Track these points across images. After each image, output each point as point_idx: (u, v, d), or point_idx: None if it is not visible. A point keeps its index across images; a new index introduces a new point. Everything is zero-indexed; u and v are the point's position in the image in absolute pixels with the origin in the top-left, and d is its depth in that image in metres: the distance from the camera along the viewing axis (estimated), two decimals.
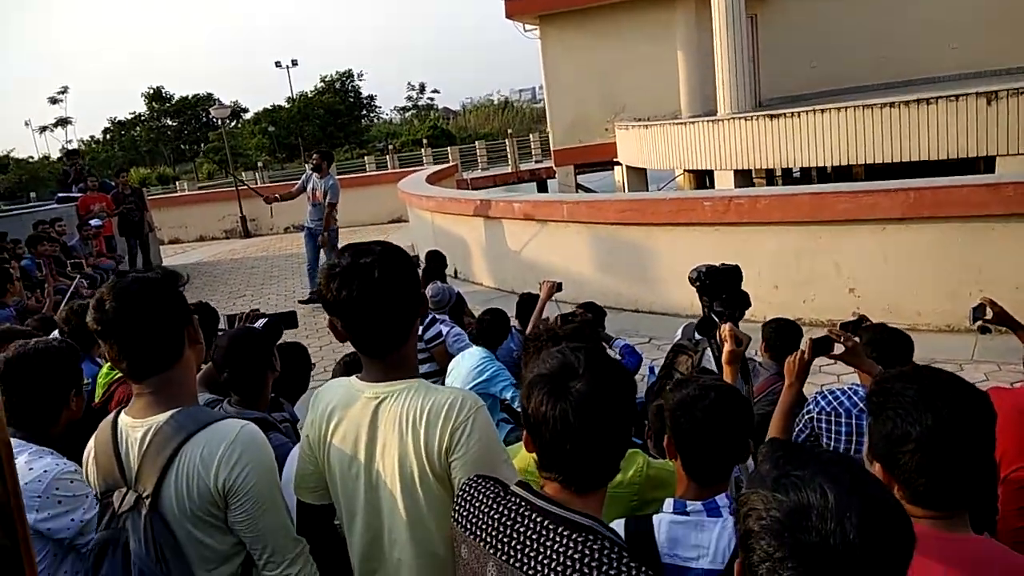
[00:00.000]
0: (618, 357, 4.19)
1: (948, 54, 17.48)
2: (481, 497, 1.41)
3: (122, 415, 1.77)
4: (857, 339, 2.55)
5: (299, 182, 9.97)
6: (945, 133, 11.10)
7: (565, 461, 1.34)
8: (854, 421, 2.99)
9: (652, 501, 2.00)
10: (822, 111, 12.42)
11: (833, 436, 3.05)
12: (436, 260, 6.79)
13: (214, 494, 1.67)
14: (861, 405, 3.00)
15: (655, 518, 1.75)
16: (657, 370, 4.50)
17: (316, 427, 1.74)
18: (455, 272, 10.51)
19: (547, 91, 21.00)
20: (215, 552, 1.74)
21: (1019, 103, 10.48)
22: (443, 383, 4.55)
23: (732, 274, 2.73)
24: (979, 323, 3.26)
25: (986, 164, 11.22)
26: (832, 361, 2.58)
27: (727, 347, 2.49)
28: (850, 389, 2.98)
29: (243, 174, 34.46)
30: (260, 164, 41.34)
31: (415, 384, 1.66)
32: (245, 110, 60.01)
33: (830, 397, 3.07)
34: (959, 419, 1.27)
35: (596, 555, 1.23)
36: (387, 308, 1.62)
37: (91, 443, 1.81)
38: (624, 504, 1.99)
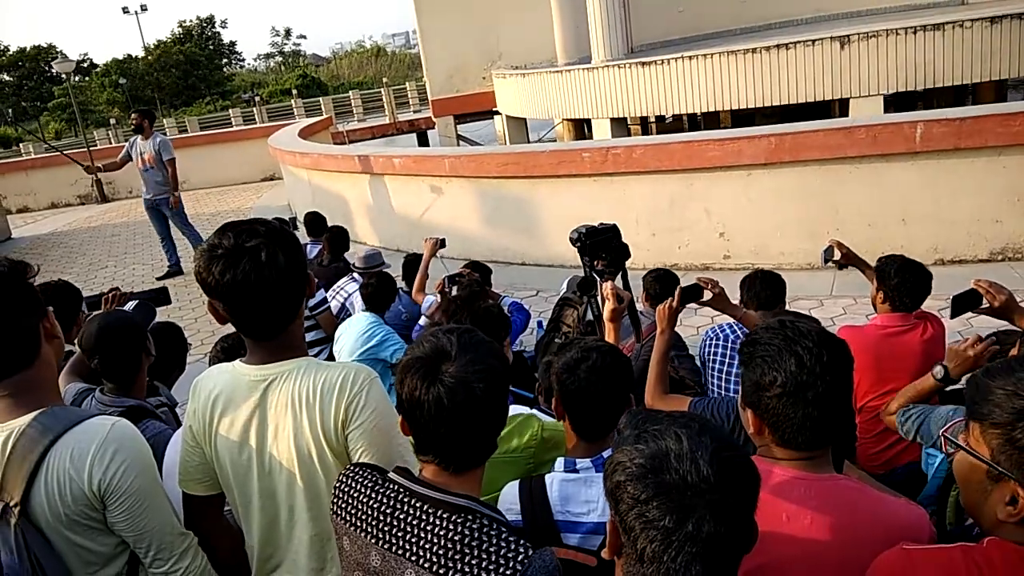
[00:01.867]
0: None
1: None
2: (359, 487, 1.41)
3: None
4: (721, 286, 2.70)
5: (123, 149, 9.33)
6: (803, 77, 11.70)
7: (441, 444, 1.35)
8: (731, 347, 3.26)
9: (547, 462, 2.07)
10: (690, 58, 12.79)
11: (718, 360, 3.30)
12: (315, 221, 6.59)
13: (89, 496, 1.59)
14: (740, 334, 3.26)
15: (547, 477, 1.81)
16: (545, 324, 4.61)
17: (199, 417, 1.67)
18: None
19: (421, 37, 20.50)
20: (96, 554, 1.66)
21: (870, 46, 11.14)
22: (331, 350, 4.47)
23: (610, 233, 2.81)
24: (830, 263, 3.53)
25: (841, 107, 11.94)
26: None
27: (609, 305, 2.57)
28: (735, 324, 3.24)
29: (94, 132, 31.90)
30: (113, 120, 38.32)
31: (303, 363, 1.63)
32: (93, 65, 55.16)
33: (716, 330, 3.33)
34: (819, 364, 1.38)
35: (476, 534, 1.26)
36: (276, 292, 1.57)
37: None
38: (521, 467, 2.04)
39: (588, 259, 2.79)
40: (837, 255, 3.47)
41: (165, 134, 9.03)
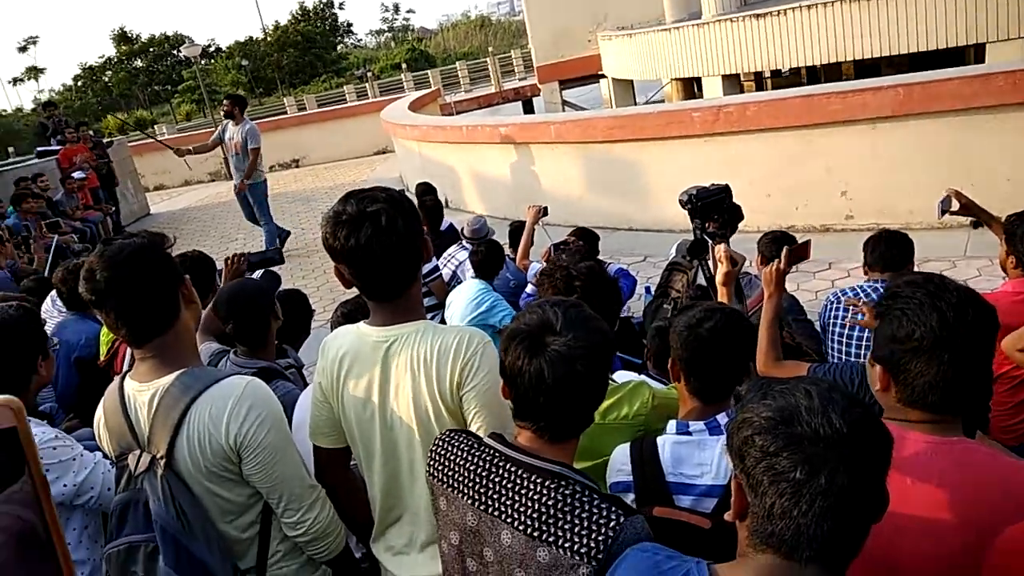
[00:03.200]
0: None
1: None
2: (455, 451, 1.46)
3: (127, 380, 1.80)
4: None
5: (215, 133, 9.34)
6: (933, 22, 10.82)
7: (539, 413, 1.38)
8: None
9: (658, 431, 2.06)
10: (808, 7, 12.08)
11: (838, 325, 3.15)
12: (428, 192, 6.73)
13: (227, 450, 1.72)
14: (864, 298, 3.10)
15: (659, 440, 1.80)
16: (653, 289, 4.55)
17: (328, 375, 1.77)
18: (446, 201, 10.43)
19: (526, 3, 20.35)
20: (233, 504, 1.80)
21: None
22: (442, 316, 4.59)
23: (722, 194, 2.73)
24: (946, 214, 3.28)
25: (976, 53, 10.99)
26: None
27: (722, 268, 2.51)
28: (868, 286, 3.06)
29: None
30: None
31: (422, 326, 1.69)
32: (219, 48, 58.12)
33: (839, 293, 3.16)
34: (963, 323, 1.30)
35: (569, 499, 1.29)
36: (396, 254, 1.64)
37: (100, 409, 1.85)
38: (630, 435, 2.04)
39: (699, 221, 2.73)
40: (955, 205, 3.22)
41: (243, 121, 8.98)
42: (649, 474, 1.77)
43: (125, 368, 1.91)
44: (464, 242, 5.42)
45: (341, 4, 57.38)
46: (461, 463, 1.44)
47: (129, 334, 1.74)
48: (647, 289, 5.10)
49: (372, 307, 1.74)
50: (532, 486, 1.33)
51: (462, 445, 1.46)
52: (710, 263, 2.71)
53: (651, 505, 1.72)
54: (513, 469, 1.37)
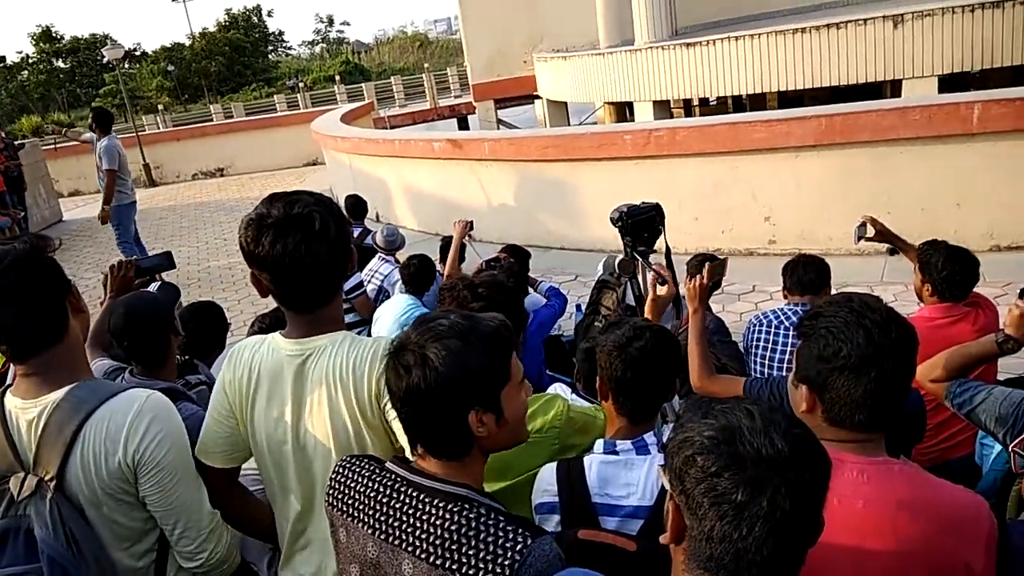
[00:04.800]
0: (543, 300, 4.19)
1: None
2: (355, 477, 1.38)
3: (7, 397, 1.65)
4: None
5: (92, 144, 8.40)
6: (854, 57, 11.31)
7: (417, 431, 1.32)
8: (776, 332, 3.15)
9: (573, 446, 2.02)
10: (736, 38, 12.49)
11: (762, 346, 3.19)
12: (357, 205, 6.61)
13: (123, 468, 1.59)
14: (786, 321, 3.14)
15: (586, 459, 1.76)
16: (584, 307, 4.54)
17: (236, 390, 1.65)
18: (376, 216, 10.29)
19: (463, 22, 20.42)
20: (129, 529, 1.67)
21: (923, 25, 10.74)
22: (369, 333, 4.47)
23: (652, 212, 2.73)
24: (862, 240, 3.39)
25: (893, 88, 11.56)
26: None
27: (652, 294, 2.49)
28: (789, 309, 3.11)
29: (143, 117, 32.64)
30: (161, 107, 39.10)
31: (339, 337, 1.60)
32: (144, 53, 56.19)
33: (761, 316, 3.21)
34: (889, 339, 1.31)
35: (473, 523, 1.22)
36: (325, 262, 1.54)
37: None
38: (547, 448, 2.00)
39: (629, 239, 2.72)
40: (870, 232, 3.33)
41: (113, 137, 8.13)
42: (575, 495, 1.73)
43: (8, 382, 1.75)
44: (381, 254, 5.31)
45: (270, 12, 56.53)
46: (361, 490, 1.35)
47: (11, 348, 1.60)
48: (578, 307, 5.11)
49: (289, 318, 1.63)
50: (435, 511, 1.26)
51: (363, 471, 1.38)
52: (639, 280, 2.71)
53: (576, 527, 1.67)
54: (415, 494, 1.29)
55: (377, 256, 5.39)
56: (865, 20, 11.16)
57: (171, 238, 11.70)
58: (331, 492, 1.40)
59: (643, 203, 2.81)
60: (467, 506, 1.25)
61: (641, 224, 2.72)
